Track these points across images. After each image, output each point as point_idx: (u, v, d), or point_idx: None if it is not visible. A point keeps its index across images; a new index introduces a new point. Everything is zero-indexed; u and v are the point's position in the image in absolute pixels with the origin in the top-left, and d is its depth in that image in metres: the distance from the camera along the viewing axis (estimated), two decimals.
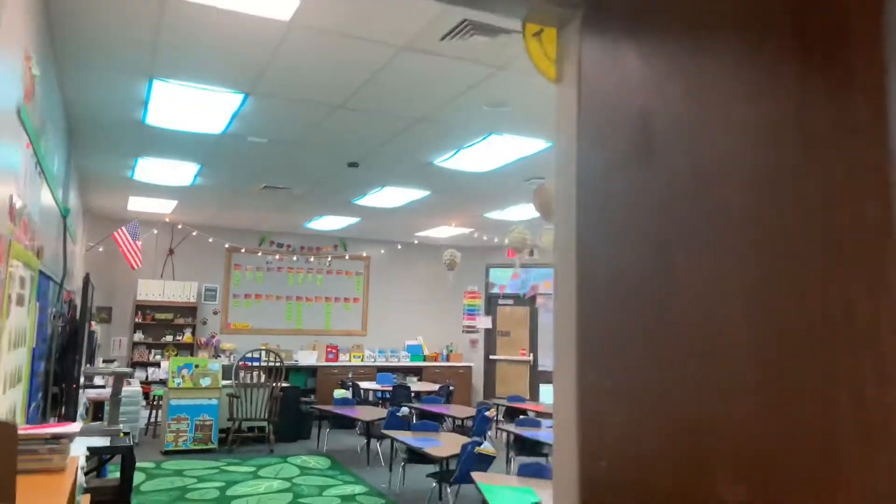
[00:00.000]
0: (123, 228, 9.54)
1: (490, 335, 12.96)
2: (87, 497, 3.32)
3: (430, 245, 12.69)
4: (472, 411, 8.71)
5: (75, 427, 2.13)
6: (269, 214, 9.92)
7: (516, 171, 6.77)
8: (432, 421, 7.71)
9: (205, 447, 8.28)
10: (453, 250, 9.70)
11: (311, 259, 12.10)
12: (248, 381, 8.80)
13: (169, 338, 10.82)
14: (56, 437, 2.04)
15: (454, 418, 8.53)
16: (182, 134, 5.80)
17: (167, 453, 8.08)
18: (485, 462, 5.84)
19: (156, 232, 10.62)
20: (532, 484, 4.78)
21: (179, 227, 10.72)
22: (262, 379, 9.01)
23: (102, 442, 3.84)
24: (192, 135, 5.81)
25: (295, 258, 11.88)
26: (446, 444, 6.26)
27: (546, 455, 7.32)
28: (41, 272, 4.10)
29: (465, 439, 6.82)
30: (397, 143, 5.91)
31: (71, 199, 7.01)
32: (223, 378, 9.26)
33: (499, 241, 10.84)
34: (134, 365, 10.62)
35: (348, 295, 12.39)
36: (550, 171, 6.76)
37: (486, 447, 5.80)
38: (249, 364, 9.07)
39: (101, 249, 10.00)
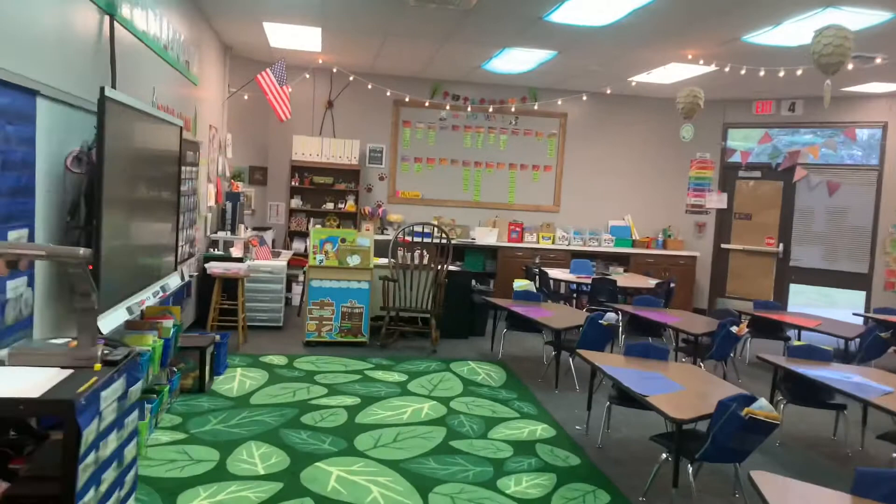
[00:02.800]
0: (268, 71, 7.81)
1: (724, 218, 9.91)
2: None
3: (647, 96, 9.69)
4: (706, 323, 6.11)
5: None
6: (437, 50, 7.61)
7: None
8: (651, 339, 5.30)
9: (353, 339, 6.65)
10: (694, 88, 6.75)
11: (492, 114, 9.73)
12: (409, 262, 6.92)
13: (329, 205, 9.28)
14: None
15: (680, 332, 6.00)
16: None
17: (309, 345, 6.57)
18: (758, 432, 3.37)
19: (307, 76, 8.82)
20: None
21: (335, 70, 8.82)
22: (426, 259, 7.09)
23: (40, 382, 1.97)
24: None
25: (469, 109, 9.53)
26: (688, 391, 3.84)
27: (842, 409, 4.64)
28: None
29: (708, 377, 4.36)
30: None
31: (175, 18, 5.19)
32: (379, 256, 7.49)
33: (757, 81, 7.63)
34: (291, 235, 9.28)
35: (538, 161, 9.96)
36: None
37: (762, 407, 3.31)
38: (411, 240, 7.17)
39: (245, 97, 8.44)
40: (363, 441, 4.21)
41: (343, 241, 6.60)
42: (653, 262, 9.54)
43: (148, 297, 3.94)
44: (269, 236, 8.71)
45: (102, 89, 3.03)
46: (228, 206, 7.76)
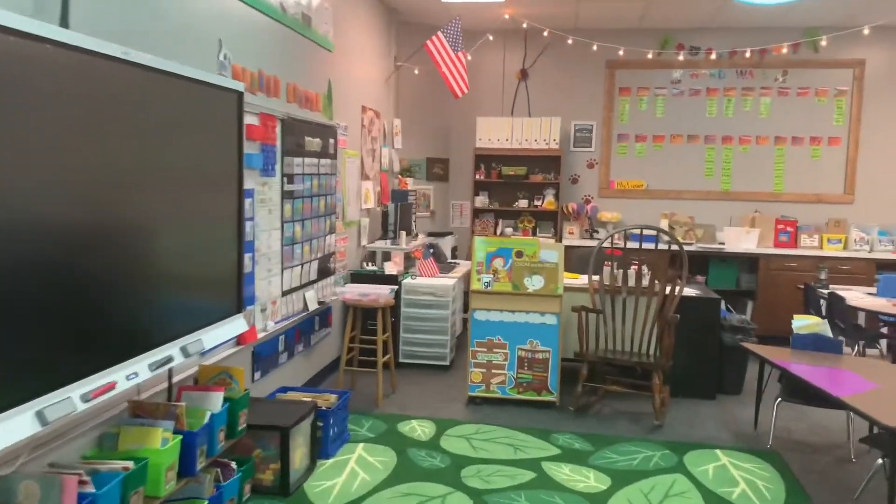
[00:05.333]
0: (439, 34, 6.08)
1: None
2: None
3: None
4: None
5: None
6: None
7: None
8: None
9: (535, 398, 4.60)
10: None
11: (749, 69, 6.99)
12: (619, 284, 4.70)
13: (522, 202, 7.31)
14: None
15: None
16: None
17: (473, 401, 4.67)
18: None
19: (490, 38, 6.89)
20: None
21: (525, 26, 6.77)
22: (648, 279, 4.79)
23: None
24: None
25: (709, 55, 6.85)
26: None
27: None
28: None
29: None
30: None
31: None
32: (570, 271, 5.40)
33: None
34: None
35: (819, 131, 6.99)
36: None
37: None
38: (623, 249, 4.93)
39: (416, 72, 6.78)
40: None
41: (519, 254, 4.58)
42: None
43: (130, 376, 2.30)
44: (448, 243, 7.00)
45: None
46: (391, 208, 6.16)
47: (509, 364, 4.60)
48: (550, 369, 4.57)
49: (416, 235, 6.53)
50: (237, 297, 3.11)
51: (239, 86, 3.04)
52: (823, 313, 5.50)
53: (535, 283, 4.54)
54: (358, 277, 5.44)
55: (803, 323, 4.27)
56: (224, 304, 3.00)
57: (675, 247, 4.62)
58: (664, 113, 7.20)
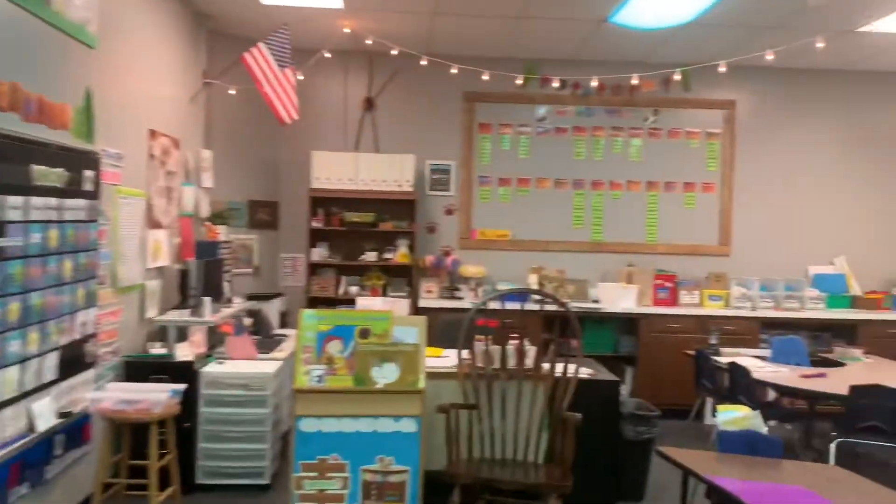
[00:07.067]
0: (261, 46, 4.77)
1: None
2: None
3: (882, 69, 6.09)
4: None
5: None
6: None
7: None
8: None
9: None
10: None
11: (619, 107, 6.31)
12: (497, 365, 3.53)
13: (370, 255, 6.04)
14: None
15: None
16: None
17: None
18: None
19: (328, 55, 5.63)
20: None
21: (369, 41, 5.60)
22: (530, 358, 3.67)
23: None
24: None
25: (580, 109, 6.05)
26: None
27: None
28: None
29: None
30: None
31: None
32: (430, 344, 4.20)
33: None
34: (313, 303, 6.02)
35: (692, 176, 6.42)
36: None
37: None
38: (501, 319, 3.77)
39: (232, 92, 5.36)
40: None
41: (364, 334, 3.27)
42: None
43: None
44: (274, 308, 5.56)
45: None
46: (193, 265, 4.62)
47: (351, 494, 3.22)
48: (408, 496, 3.26)
49: (230, 300, 5.02)
50: None
51: None
52: (724, 383, 4.74)
53: (386, 374, 3.24)
54: (136, 368, 3.84)
55: (731, 416, 3.31)
56: None
57: (558, 309, 3.54)
58: (529, 153, 6.32)
